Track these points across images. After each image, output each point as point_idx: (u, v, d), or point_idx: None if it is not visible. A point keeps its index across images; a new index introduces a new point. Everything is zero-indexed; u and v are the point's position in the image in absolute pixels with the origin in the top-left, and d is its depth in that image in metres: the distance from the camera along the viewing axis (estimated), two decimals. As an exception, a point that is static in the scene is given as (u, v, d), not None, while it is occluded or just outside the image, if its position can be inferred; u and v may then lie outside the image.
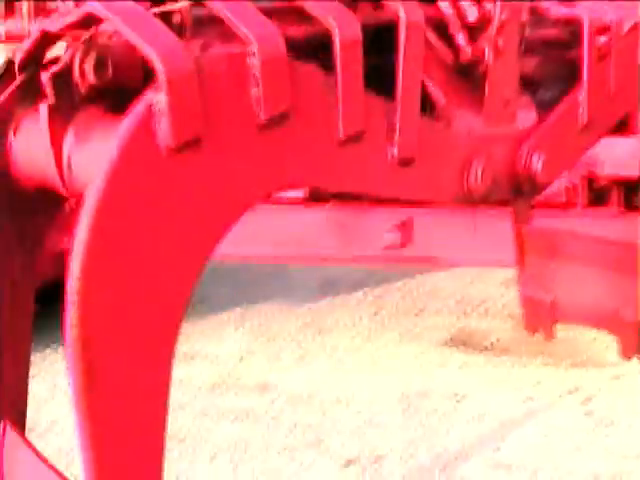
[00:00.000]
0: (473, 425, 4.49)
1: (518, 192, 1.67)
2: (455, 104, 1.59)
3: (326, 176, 1.44)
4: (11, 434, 1.67)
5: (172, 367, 1.42)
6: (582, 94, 1.81)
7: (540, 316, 2.76)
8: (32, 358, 1.78)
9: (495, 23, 1.61)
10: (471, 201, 1.59)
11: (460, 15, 1.59)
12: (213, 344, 6.04)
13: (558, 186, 5.20)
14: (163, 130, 1.19)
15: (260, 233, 5.45)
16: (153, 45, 1.17)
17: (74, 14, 1.25)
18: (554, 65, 1.94)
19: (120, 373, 1.28)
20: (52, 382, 5.10)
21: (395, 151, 1.43)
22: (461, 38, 1.59)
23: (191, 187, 1.26)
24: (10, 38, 6.19)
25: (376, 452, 4.19)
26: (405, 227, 4.95)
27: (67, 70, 1.27)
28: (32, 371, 1.80)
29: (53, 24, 1.29)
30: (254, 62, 1.25)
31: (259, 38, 1.25)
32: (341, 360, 5.64)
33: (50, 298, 6.94)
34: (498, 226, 5.81)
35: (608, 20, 1.89)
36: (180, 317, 1.39)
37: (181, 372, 5.48)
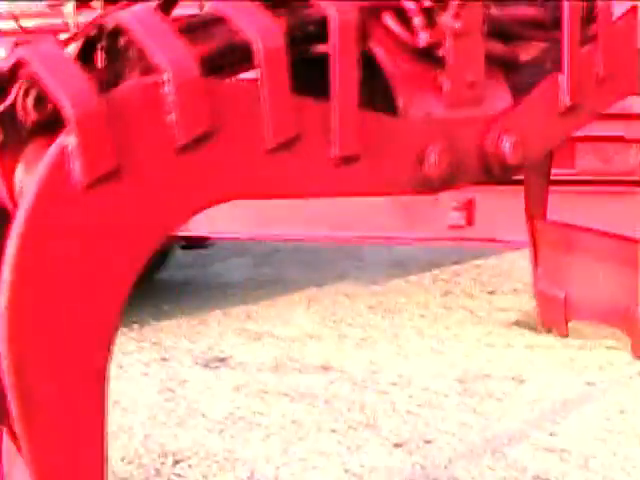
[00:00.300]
0: (530, 409, 4.40)
1: (489, 174, 1.62)
2: (415, 89, 1.54)
3: (260, 186, 1.47)
4: (9, 440, 1.73)
5: (106, 382, 1.44)
6: (563, 77, 1.74)
7: (554, 312, 2.68)
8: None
9: (453, 4, 1.56)
10: (431, 187, 1.55)
11: None
12: (281, 325, 6.09)
13: (632, 161, 5.03)
14: (76, 169, 1.28)
15: (328, 214, 5.47)
16: (64, 89, 1.25)
17: (9, 59, 1.34)
18: (536, 47, 1.87)
19: (52, 388, 1.33)
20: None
21: (336, 150, 1.42)
22: (418, 21, 1.55)
23: (115, 215, 1.34)
24: None
25: (427, 435, 4.16)
26: (469, 207, 4.87)
27: (12, 108, 1.34)
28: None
29: None
30: (168, 89, 1.29)
31: (172, 64, 1.29)
32: (406, 341, 5.61)
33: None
34: (562, 207, 5.68)
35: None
36: (109, 336, 1.41)
37: (245, 352, 5.57)
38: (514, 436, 4.07)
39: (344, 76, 1.40)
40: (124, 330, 6.22)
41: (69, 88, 1.25)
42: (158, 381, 5.25)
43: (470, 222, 4.83)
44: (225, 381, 5.13)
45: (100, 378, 1.39)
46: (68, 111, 1.25)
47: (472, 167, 1.62)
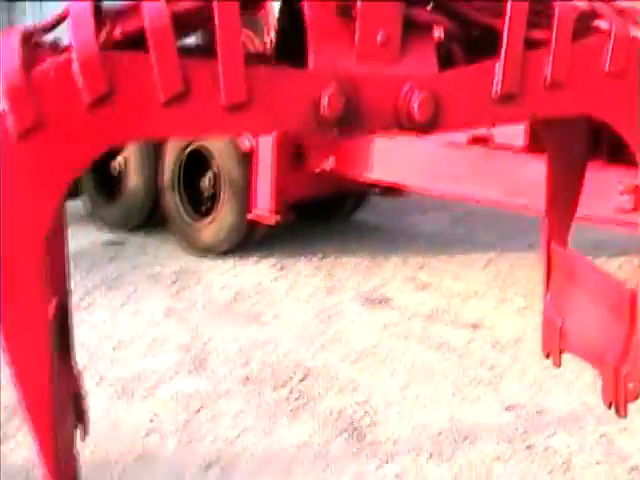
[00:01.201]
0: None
1: (400, 126, 1.71)
2: (327, 42, 1.68)
3: (157, 130, 1.83)
4: None
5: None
6: (499, 65, 1.77)
7: (552, 340, 2.66)
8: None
9: None
10: (329, 127, 1.69)
11: None
12: (450, 279, 6.23)
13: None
14: (9, 125, 1.69)
15: (524, 185, 5.46)
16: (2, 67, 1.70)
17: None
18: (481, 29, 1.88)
19: None
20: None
21: (223, 99, 1.66)
22: None
23: (38, 159, 1.74)
24: None
25: (541, 403, 4.21)
26: (637, 191, 4.74)
27: None
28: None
29: None
30: (74, 63, 1.70)
31: (77, 43, 1.71)
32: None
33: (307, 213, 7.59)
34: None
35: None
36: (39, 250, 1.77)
37: (407, 298, 5.79)
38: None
39: (226, 34, 1.68)
40: (308, 257, 6.68)
41: (4, 66, 1.70)
42: (319, 306, 5.62)
43: (638, 207, 4.71)
44: (377, 319, 5.39)
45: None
46: (2, 84, 1.68)
47: (383, 116, 1.76)
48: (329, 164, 6.31)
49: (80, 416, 2.37)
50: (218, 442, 3.81)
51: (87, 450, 3.34)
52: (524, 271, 6.48)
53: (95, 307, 5.48)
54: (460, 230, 7.84)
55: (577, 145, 2.54)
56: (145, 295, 5.74)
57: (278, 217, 6.28)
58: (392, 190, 6.91)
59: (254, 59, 1.97)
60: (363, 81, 1.67)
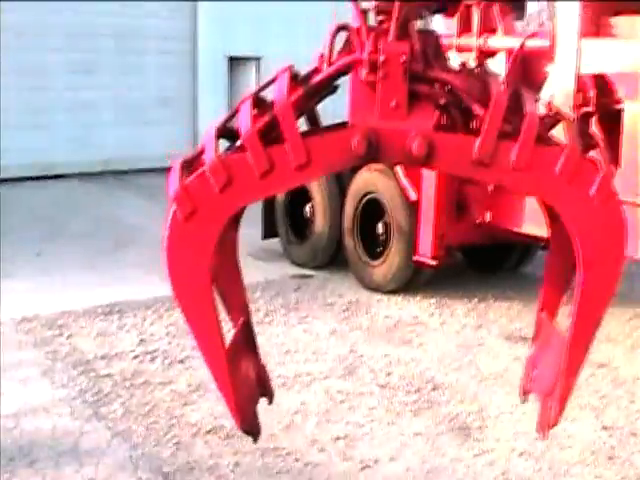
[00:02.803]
0: None
1: (409, 159, 2.50)
2: (362, 107, 2.52)
3: (257, 195, 2.70)
4: None
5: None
6: (479, 140, 2.48)
7: (524, 383, 3.18)
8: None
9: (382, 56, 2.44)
10: (359, 160, 2.51)
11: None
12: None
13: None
14: (177, 212, 2.61)
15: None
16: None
17: None
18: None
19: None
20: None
21: (292, 161, 2.52)
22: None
23: (196, 229, 2.59)
24: (461, 50, 7.70)
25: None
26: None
27: None
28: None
29: None
30: (207, 171, 2.57)
31: (207, 159, 2.56)
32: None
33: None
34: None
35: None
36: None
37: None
38: None
39: (287, 132, 2.48)
40: (465, 299, 7.47)
41: (171, 186, 2.58)
42: (464, 339, 6.42)
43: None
44: (513, 352, 6.10)
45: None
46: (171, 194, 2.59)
47: (396, 152, 2.52)
48: (487, 216, 7.13)
49: (267, 391, 3.21)
50: (350, 426, 4.75)
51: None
52: None
53: (274, 323, 6.59)
54: (622, 287, 8.30)
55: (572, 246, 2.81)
56: (318, 318, 6.78)
57: (437, 261, 7.16)
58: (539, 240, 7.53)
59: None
60: (382, 131, 2.56)
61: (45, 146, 12.92)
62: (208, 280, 2.68)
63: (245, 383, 3.00)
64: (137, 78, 14.06)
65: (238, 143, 2.59)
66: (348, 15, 2.67)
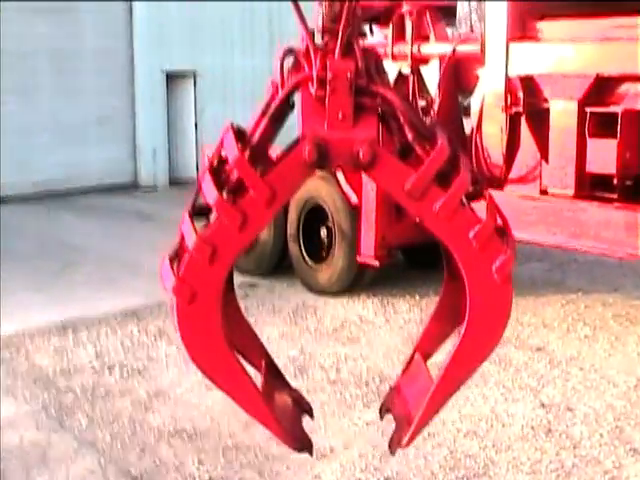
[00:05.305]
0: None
1: (356, 164, 2.70)
2: (313, 119, 2.73)
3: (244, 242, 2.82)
4: None
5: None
6: (412, 177, 2.71)
7: (386, 402, 3.26)
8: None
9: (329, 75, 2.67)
10: (310, 166, 2.71)
11: None
12: (531, 315, 7.18)
13: None
14: (178, 299, 2.78)
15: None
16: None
17: None
18: None
19: None
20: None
21: (261, 201, 2.72)
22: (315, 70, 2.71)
23: (198, 307, 2.77)
24: (396, 58, 8.06)
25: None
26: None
27: None
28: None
29: None
30: (188, 257, 2.72)
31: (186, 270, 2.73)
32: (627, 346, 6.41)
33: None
34: None
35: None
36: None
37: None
38: None
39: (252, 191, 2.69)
40: (407, 296, 7.79)
41: (165, 284, 2.76)
42: (408, 334, 6.72)
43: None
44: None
45: None
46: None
47: (344, 158, 2.73)
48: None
49: (305, 408, 3.29)
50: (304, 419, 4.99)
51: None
52: (596, 309, 7.35)
53: (226, 330, 6.81)
54: (556, 276, 8.73)
55: (462, 301, 2.93)
56: (267, 323, 7.03)
57: (379, 261, 7.47)
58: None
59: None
60: (331, 139, 2.74)
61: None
62: (224, 344, 2.85)
63: (285, 412, 3.17)
64: (74, 98, 14.15)
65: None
66: (282, 24, 2.88)
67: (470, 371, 2.91)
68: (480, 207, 2.85)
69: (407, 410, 3.05)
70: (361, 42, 2.82)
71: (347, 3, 2.73)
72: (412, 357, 3.27)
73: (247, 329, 3.31)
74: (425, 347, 3.27)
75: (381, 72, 2.90)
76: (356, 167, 2.78)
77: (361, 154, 2.71)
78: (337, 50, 2.75)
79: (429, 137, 2.86)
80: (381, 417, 3.27)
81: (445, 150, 2.78)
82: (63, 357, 6.16)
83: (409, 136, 2.81)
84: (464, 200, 2.83)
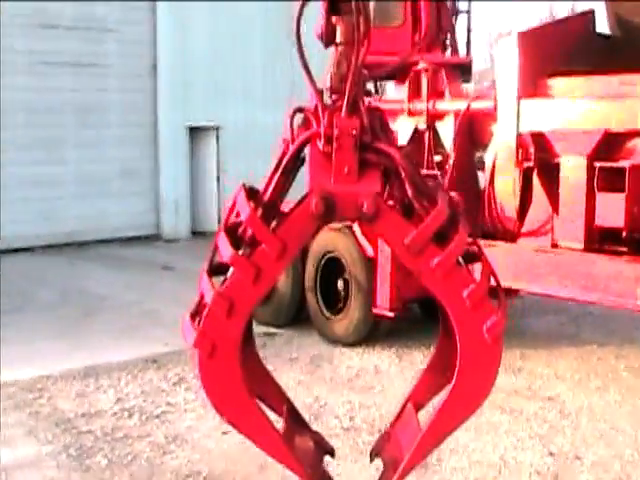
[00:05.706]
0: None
1: (361, 216, 2.85)
2: (320, 173, 2.88)
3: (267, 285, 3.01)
4: None
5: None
6: (410, 235, 2.88)
7: (376, 447, 3.47)
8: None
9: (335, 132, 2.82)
10: (318, 218, 2.84)
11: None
12: (543, 365, 7.27)
13: None
14: (199, 352, 2.94)
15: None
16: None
17: None
18: None
19: None
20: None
21: (273, 256, 2.88)
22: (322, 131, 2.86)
23: (218, 360, 2.94)
24: (412, 114, 8.28)
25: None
26: None
27: None
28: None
29: None
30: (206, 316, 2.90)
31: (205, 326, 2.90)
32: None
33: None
34: None
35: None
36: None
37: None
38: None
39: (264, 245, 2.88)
40: (422, 348, 7.89)
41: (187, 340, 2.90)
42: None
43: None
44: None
45: None
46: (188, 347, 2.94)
47: (349, 211, 2.88)
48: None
49: (326, 448, 3.43)
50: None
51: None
52: (609, 362, 7.43)
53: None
54: (570, 329, 8.81)
55: (455, 356, 3.03)
56: (284, 371, 7.16)
57: (395, 313, 7.61)
58: (509, 291, 7.94)
59: None
60: (337, 193, 2.88)
61: (10, 219, 13.26)
62: (245, 392, 3.00)
63: (307, 454, 3.30)
64: (99, 151, 14.50)
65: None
66: (302, 82, 3.06)
67: (457, 424, 3.07)
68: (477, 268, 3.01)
69: (395, 456, 3.20)
70: (367, 100, 2.99)
71: (353, 64, 2.90)
72: (404, 407, 3.41)
73: (267, 376, 3.45)
74: (417, 397, 3.40)
75: (385, 129, 3.07)
76: (360, 219, 2.95)
77: (365, 207, 2.88)
78: (344, 108, 2.91)
79: (429, 195, 3.00)
80: (370, 460, 3.43)
81: (444, 211, 2.92)
82: (84, 401, 6.32)
83: (409, 192, 2.97)
84: (460, 260, 2.98)
